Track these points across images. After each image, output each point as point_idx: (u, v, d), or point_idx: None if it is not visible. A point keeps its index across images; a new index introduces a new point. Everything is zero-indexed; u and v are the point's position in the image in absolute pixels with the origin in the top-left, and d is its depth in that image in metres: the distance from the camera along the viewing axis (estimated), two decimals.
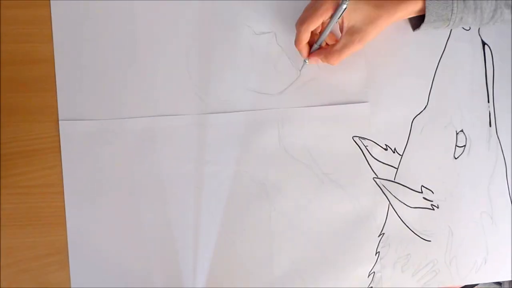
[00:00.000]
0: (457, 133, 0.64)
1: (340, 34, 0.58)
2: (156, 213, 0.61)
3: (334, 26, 0.56)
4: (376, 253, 0.63)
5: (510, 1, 0.55)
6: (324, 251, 0.63)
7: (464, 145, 0.64)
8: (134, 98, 0.61)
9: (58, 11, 0.60)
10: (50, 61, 0.60)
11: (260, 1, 0.62)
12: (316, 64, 0.60)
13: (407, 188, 0.63)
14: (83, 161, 0.61)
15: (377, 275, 0.63)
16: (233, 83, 0.62)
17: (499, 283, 0.73)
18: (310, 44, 0.59)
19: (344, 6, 0.54)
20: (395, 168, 0.63)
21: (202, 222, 0.62)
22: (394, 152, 0.63)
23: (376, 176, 0.63)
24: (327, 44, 0.61)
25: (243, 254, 0.62)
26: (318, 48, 0.59)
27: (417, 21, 0.59)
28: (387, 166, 0.63)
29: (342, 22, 0.56)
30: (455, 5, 0.55)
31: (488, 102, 0.65)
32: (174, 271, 0.61)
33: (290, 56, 0.62)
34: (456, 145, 0.64)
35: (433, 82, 0.64)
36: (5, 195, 0.60)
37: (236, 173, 0.62)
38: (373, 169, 0.63)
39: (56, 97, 0.60)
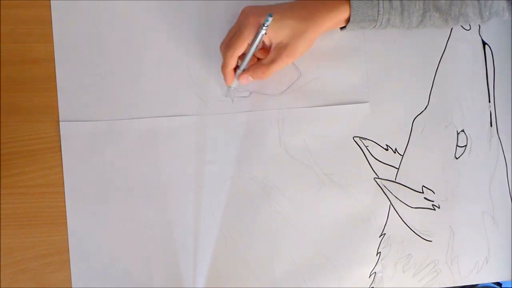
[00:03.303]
0: (458, 133, 0.64)
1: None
2: (157, 213, 0.61)
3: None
4: (377, 253, 0.63)
5: (439, 5, 0.55)
6: (325, 252, 0.62)
7: (465, 145, 0.64)
8: (135, 99, 0.61)
9: (58, 11, 0.60)
10: (50, 61, 0.60)
11: (262, 1, 0.61)
12: (247, 83, 0.58)
13: (408, 188, 0.63)
14: (83, 162, 0.60)
15: (378, 275, 0.63)
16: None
17: (499, 284, 0.73)
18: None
19: (263, 32, 0.53)
20: (396, 168, 0.63)
21: (203, 223, 0.61)
22: (395, 152, 0.63)
23: (377, 176, 0.63)
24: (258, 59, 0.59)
25: (243, 254, 0.62)
26: (242, 72, 0.58)
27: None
28: (388, 166, 0.63)
29: (270, 40, 0.55)
30: (381, 5, 0.55)
31: (489, 102, 0.64)
32: (174, 271, 0.61)
33: None
34: (457, 145, 0.64)
35: (434, 82, 0.64)
36: (5, 195, 0.60)
37: (237, 173, 0.62)
38: (374, 169, 0.63)
39: (56, 97, 0.60)
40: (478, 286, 0.68)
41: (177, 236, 0.61)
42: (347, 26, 0.57)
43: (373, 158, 0.63)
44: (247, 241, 0.62)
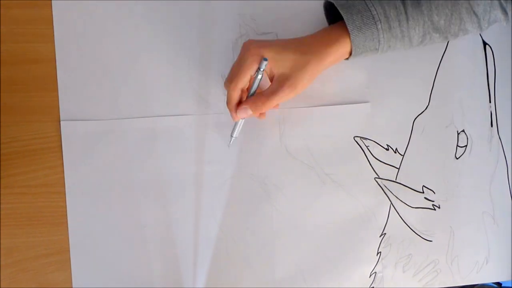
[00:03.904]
0: (458, 133, 0.64)
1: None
2: (157, 213, 0.61)
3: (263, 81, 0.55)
4: (378, 253, 0.63)
5: (438, 26, 0.54)
6: (325, 251, 0.63)
7: (466, 145, 0.64)
8: (135, 98, 0.61)
9: (59, 11, 0.60)
10: (50, 61, 0.60)
11: (262, 1, 0.61)
12: (246, 117, 0.56)
13: (408, 188, 0.63)
14: (84, 161, 0.60)
15: (378, 275, 0.63)
16: None
17: (499, 283, 0.73)
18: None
19: (259, 76, 0.52)
20: (397, 168, 0.63)
21: (203, 222, 0.61)
22: (395, 152, 0.63)
23: (377, 176, 0.63)
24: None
25: (244, 254, 0.62)
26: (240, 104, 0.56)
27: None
28: (388, 166, 0.63)
29: (271, 71, 0.54)
30: (381, 36, 0.54)
31: (490, 102, 0.65)
32: (174, 271, 0.61)
33: None
34: (457, 145, 0.64)
35: (434, 82, 0.64)
36: (5, 195, 0.60)
37: (237, 173, 0.62)
38: (374, 169, 0.63)
39: (57, 97, 0.60)
40: (477, 285, 0.68)
41: (177, 236, 0.61)
42: (350, 59, 0.56)
43: (374, 158, 0.63)
44: (247, 241, 0.62)
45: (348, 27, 0.53)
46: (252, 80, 0.55)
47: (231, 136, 0.58)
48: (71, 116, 0.60)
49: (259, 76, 0.53)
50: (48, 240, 0.60)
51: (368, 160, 0.63)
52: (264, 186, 0.62)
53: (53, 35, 0.60)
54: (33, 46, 0.60)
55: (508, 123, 0.65)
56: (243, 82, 0.54)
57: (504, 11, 0.55)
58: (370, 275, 0.63)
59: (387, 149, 0.63)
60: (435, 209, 0.64)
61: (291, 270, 0.62)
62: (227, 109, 0.56)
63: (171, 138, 0.61)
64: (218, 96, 0.61)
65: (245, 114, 0.55)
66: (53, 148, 0.60)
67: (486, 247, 0.65)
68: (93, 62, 0.61)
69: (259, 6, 0.62)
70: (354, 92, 0.63)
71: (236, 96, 0.55)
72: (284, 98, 0.54)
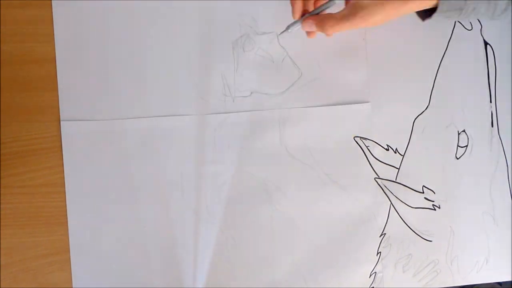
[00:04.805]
0: (459, 133, 0.64)
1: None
2: (157, 213, 0.61)
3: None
4: (378, 253, 0.63)
5: None
6: (325, 251, 0.63)
7: (466, 145, 0.64)
8: (135, 98, 0.61)
9: (59, 11, 0.60)
10: (51, 61, 0.60)
11: (262, 1, 0.61)
12: (308, 30, 0.55)
13: (408, 188, 0.63)
14: (84, 161, 0.60)
15: (378, 275, 0.63)
16: (234, 84, 0.62)
17: (499, 283, 0.73)
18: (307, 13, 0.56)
19: None
20: (397, 168, 0.63)
21: (203, 222, 0.62)
22: (395, 152, 0.63)
23: (377, 177, 0.63)
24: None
25: (244, 254, 0.62)
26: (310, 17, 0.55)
27: (425, 12, 0.55)
28: (388, 166, 0.63)
29: None
30: None
31: (490, 102, 0.64)
32: (174, 271, 0.61)
33: (291, 57, 0.62)
34: (457, 145, 0.64)
35: (435, 82, 0.63)
36: (5, 195, 0.60)
37: (237, 173, 0.62)
38: (374, 169, 0.63)
39: (57, 97, 0.60)
40: (476, 285, 0.68)
41: (177, 236, 0.61)
42: (433, 16, 0.53)
43: (374, 158, 0.63)
44: (247, 241, 0.62)
45: None
46: None
47: (287, 28, 0.56)
48: (71, 116, 0.60)
49: None
50: (48, 240, 0.61)
51: (368, 160, 0.63)
52: (264, 187, 0.62)
53: (53, 35, 0.60)
54: (33, 46, 0.60)
55: (509, 123, 0.65)
56: None
57: None
58: (370, 275, 0.63)
59: (387, 149, 0.63)
60: (435, 209, 0.64)
61: (291, 270, 0.62)
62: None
63: (171, 138, 0.61)
64: (218, 96, 0.61)
65: (309, 28, 0.55)
66: (53, 148, 0.60)
67: (486, 247, 0.64)
68: (93, 62, 0.60)
69: (259, 6, 0.62)
70: (354, 92, 0.62)
71: (298, 7, 0.54)
72: (353, 27, 0.52)
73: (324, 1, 0.55)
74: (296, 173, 0.62)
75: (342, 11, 0.53)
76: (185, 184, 0.61)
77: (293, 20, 0.56)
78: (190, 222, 0.61)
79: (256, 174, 0.62)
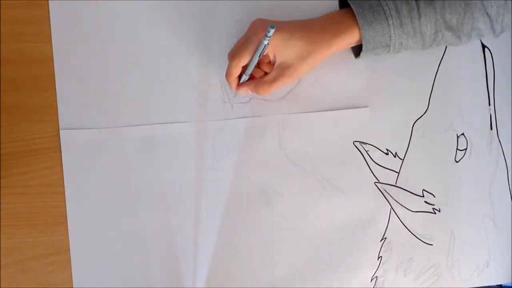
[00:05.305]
0: (458, 137, 0.64)
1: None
2: (157, 219, 0.61)
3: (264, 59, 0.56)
4: (378, 257, 0.63)
5: (451, 24, 0.54)
6: (326, 256, 0.63)
7: (465, 149, 0.64)
8: (134, 105, 0.61)
9: (56, 12, 0.60)
10: (51, 61, 0.60)
11: (262, 1, 0.61)
12: (245, 94, 0.59)
13: (408, 192, 0.63)
14: (84, 168, 0.60)
15: (379, 279, 0.63)
16: None
17: (500, 286, 0.73)
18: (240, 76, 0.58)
19: (265, 42, 0.52)
20: (396, 172, 0.63)
21: (203, 228, 0.61)
22: (395, 157, 0.63)
23: (377, 181, 0.63)
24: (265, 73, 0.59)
25: (243, 260, 0.62)
26: (248, 80, 0.58)
27: (358, 49, 0.57)
28: (388, 170, 0.63)
29: (275, 57, 0.55)
30: (392, 31, 0.54)
31: (489, 105, 0.64)
32: (174, 271, 0.61)
33: None
34: (457, 149, 0.64)
35: (434, 86, 0.64)
36: (5, 195, 0.60)
37: (237, 179, 0.62)
38: (374, 173, 0.63)
39: (56, 97, 0.60)
40: None
41: (177, 241, 0.61)
42: (361, 55, 0.57)
43: (374, 163, 0.63)
44: (247, 246, 0.62)
45: (359, 22, 0.53)
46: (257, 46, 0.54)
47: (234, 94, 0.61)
48: (70, 124, 0.60)
49: (265, 42, 0.52)
50: (48, 240, 0.60)
51: (368, 165, 0.63)
52: (263, 192, 0.62)
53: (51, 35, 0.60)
54: (34, 46, 0.60)
55: (508, 126, 0.65)
56: (245, 60, 0.55)
57: None
58: (371, 280, 0.63)
59: (387, 154, 0.63)
60: (435, 213, 0.64)
61: (291, 275, 0.62)
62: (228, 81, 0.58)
63: (171, 145, 0.61)
64: (217, 103, 0.61)
65: (245, 93, 0.59)
66: (53, 148, 0.60)
67: (487, 250, 0.65)
68: (90, 69, 0.60)
69: (259, 7, 0.62)
70: (354, 97, 0.62)
71: (236, 72, 0.56)
72: (285, 84, 0.57)
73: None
74: (296, 178, 0.62)
75: (270, 74, 0.56)
76: (185, 190, 0.61)
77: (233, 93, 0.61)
78: (190, 227, 0.61)
79: (256, 179, 0.62)
